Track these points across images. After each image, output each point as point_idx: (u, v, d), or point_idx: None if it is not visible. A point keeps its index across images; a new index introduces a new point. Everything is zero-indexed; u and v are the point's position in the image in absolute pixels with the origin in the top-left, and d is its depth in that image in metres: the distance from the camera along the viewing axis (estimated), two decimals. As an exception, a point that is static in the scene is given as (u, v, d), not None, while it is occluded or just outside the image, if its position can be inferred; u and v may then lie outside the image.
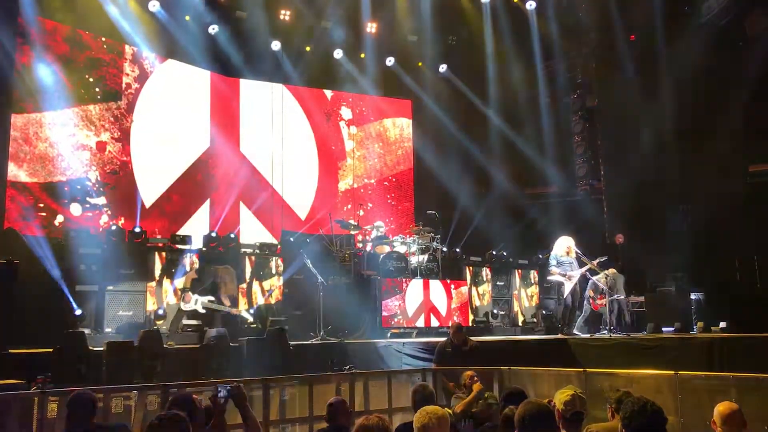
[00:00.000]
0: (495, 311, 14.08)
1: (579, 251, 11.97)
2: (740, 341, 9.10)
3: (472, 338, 9.55)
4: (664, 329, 11.90)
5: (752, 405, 5.38)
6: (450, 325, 9.54)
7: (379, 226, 13.96)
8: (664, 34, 15.31)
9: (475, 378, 6.97)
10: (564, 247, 11.98)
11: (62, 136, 13.00)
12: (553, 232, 16.06)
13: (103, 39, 13.90)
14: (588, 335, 11.86)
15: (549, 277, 12.55)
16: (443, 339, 9.38)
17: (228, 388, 4.20)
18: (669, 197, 15.73)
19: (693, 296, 13.07)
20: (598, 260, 11.86)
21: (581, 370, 7.68)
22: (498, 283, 14.50)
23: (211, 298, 10.56)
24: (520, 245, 16.17)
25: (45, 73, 12.67)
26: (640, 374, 7.12)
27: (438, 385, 8.04)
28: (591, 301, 12.50)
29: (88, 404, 4.61)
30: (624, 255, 14.20)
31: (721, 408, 4.44)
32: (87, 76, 13.57)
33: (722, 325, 11.28)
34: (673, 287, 12.95)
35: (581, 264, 11.94)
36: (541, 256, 15.17)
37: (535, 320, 14.54)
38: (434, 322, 12.46)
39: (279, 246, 13.43)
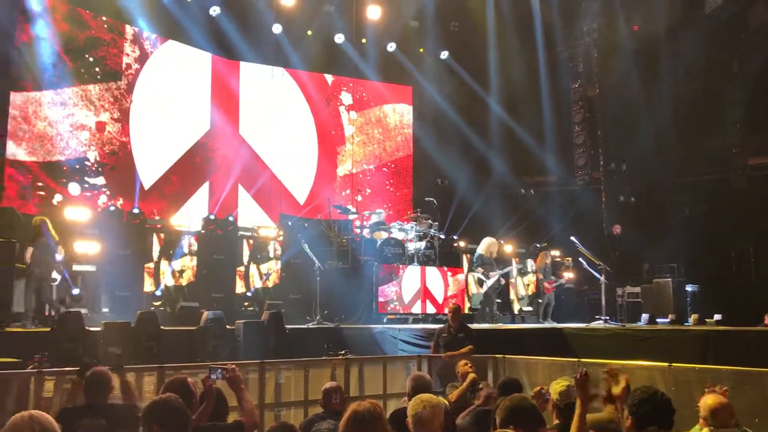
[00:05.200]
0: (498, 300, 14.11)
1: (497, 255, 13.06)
2: (734, 334, 9.14)
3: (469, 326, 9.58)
4: (658, 320, 11.96)
5: (745, 398, 5.41)
6: (448, 309, 9.55)
7: (380, 212, 14.01)
8: (666, 25, 15.27)
9: (469, 366, 6.99)
10: (486, 248, 12.88)
11: (61, 116, 12.95)
12: (551, 220, 16.16)
13: (104, 18, 13.80)
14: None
15: (472, 274, 13.10)
16: (441, 325, 9.41)
17: (220, 370, 4.21)
18: (667, 189, 15.77)
19: (688, 288, 13.14)
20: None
21: (575, 359, 7.72)
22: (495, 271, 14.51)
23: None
24: (517, 234, 16.21)
25: (45, 51, 12.59)
26: (634, 365, 7.15)
27: (434, 371, 8.08)
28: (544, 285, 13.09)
29: (106, 381, 4.78)
30: (621, 246, 14.24)
31: (709, 401, 4.21)
32: (87, 56, 13.48)
33: (717, 317, 11.34)
34: (669, 279, 13.02)
35: (500, 264, 13.11)
36: (538, 245, 15.21)
37: (530, 308, 14.59)
38: (430, 309, 12.50)
39: (277, 230, 13.45)
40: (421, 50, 18.04)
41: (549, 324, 12.63)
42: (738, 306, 12.06)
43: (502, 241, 14.28)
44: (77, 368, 5.19)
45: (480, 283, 12.86)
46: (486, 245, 12.95)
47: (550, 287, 13.27)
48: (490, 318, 12.64)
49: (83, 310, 9.22)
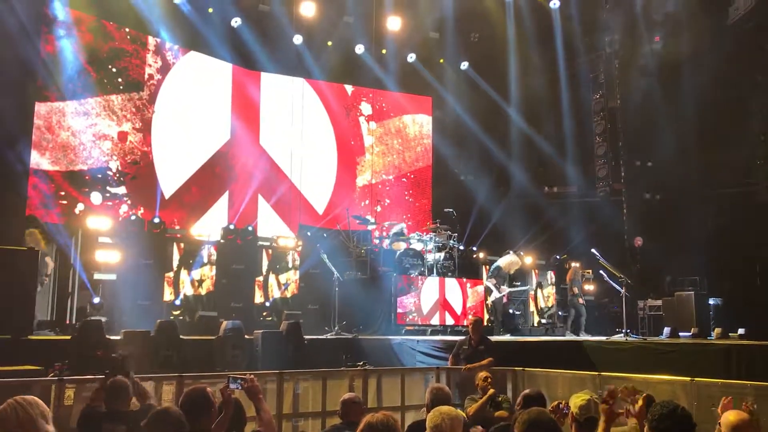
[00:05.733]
0: (511, 311, 14.03)
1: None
2: (759, 348, 8.99)
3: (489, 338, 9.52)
4: (681, 334, 11.82)
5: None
6: (468, 321, 9.48)
7: (401, 225, 14.00)
8: (688, 35, 15.15)
9: (489, 379, 6.94)
10: (506, 264, 13.13)
11: (84, 125, 13.10)
12: (572, 232, 16.05)
13: (127, 30, 13.98)
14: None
15: (485, 282, 13.23)
16: (461, 337, 9.36)
17: (239, 380, 4.21)
18: (689, 201, 15.60)
19: (711, 301, 12.97)
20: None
21: (596, 373, 7.64)
22: (515, 283, 14.43)
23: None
24: (537, 245, 16.11)
25: (69, 62, 12.77)
26: (656, 379, 7.06)
27: (453, 383, 8.03)
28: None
29: (125, 389, 4.91)
30: (642, 258, 14.10)
31: (731, 417, 3.93)
32: (110, 66, 13.65)
33: (741, 331, 11.18)
34: (692, 292, 12.86)
35: (511, 281, 13.47)
36: (558, 257, 15.11)
37: (551, 321, 14.49)
38: (449, 320, 12.44)
39: (296, 240, 13.47)
40: (441, 61, 18.05)
41: (569, 336, 12.53)
42: (763, 320, 11.88)
43: (522, 253, 14.23)
44: (101, 375, 5.24)
45: (488, 292, 12.87)
46: (507, 261, 13.01)
47: (582, 300, 13.22)
48: (497, 329, 12.66)
49: (104, 319, 9.29)
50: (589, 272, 14.74)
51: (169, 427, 3.43)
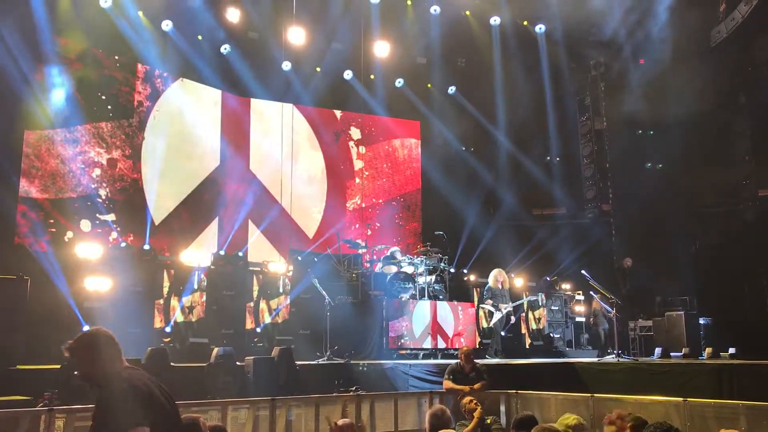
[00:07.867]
0: (502, 333, 14.02)
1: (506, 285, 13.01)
2: (749, 368, 9.02)
3: (479, 361, 9.50)
4: (672, 354, 11.84)
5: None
6: (460, 351, 9.40)
7: (395, 250, 13.96)
8: (672, 58, 15.37)
9: (474, 402, 6.93)
10: (493, 279, 12.88)
11: (74, 153, 13.10)
12: (561, 254, 16.12)
13: (116, 57, 14.02)
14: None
15: (482, 305, 13.16)
16: (452, 361, 9.33)
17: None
18: (678, 221, 15.72)
19: (701, 321, 13.01)
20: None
21: (589, 395, 7.63)
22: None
23: None
24: (527, 267, 16.15)
25: (58, 90, 12.79)
26: (649, 400, 7.06)
27: (447, 406, 8.00)
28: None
29: None
30: (632, 278, 14.16)
31: None
32: (99, 94, 13.68)
33: (731, 350, 11.20)
34: (682, 311, 12.91)
35: (512, 295, 13.13)
36: (548, 279, 15.14)
37: (542, 343, 14.47)
38: (441, 344, 12.40)
39: (287, 265, 13.44)
40: (429, 86, 18.21)
41: (562, 358, 12.51)
42: (752, 339, 11.93)
43: (509, 274, 14.24)
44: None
45: (489, 315, 12.85)
46: (492, 277, 12.96)
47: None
48: (493, 353, 12.56)
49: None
50: (580, 293, 14.79)
51: None
